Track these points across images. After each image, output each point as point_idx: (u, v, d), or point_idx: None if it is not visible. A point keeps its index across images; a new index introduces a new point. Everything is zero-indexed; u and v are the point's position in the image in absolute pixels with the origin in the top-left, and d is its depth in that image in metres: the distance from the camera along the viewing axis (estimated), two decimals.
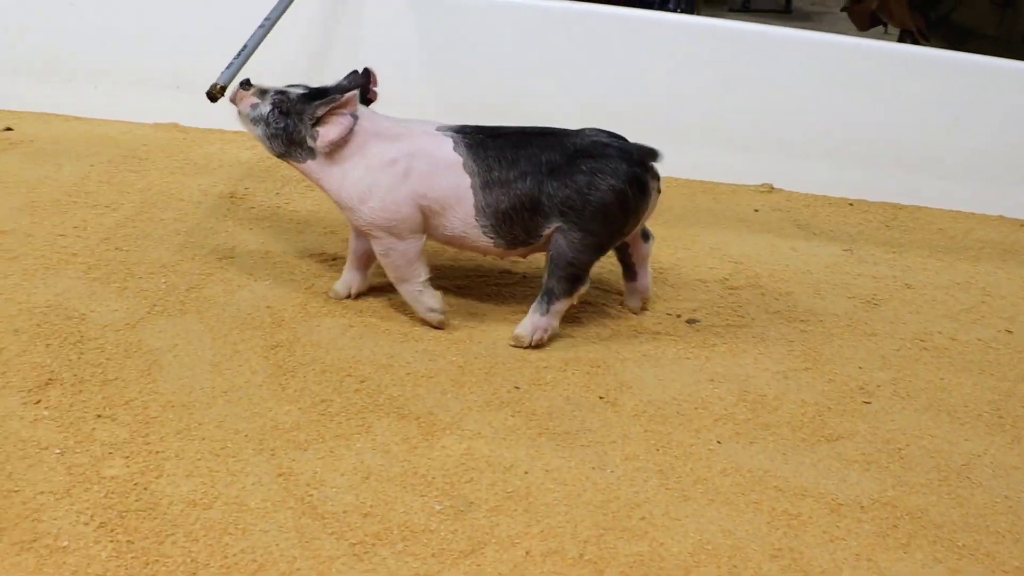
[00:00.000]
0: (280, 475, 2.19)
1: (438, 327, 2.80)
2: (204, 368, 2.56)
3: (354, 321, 2.81)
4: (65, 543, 1.96)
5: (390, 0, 3.95)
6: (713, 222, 3.62)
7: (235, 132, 3.97)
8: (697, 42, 3.89)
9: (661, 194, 2.78)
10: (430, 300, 2.76)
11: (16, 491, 2.10)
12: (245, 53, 3.07)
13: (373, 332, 2.76)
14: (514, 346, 2.74)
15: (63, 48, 4.02)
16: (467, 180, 2.63)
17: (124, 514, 2.04)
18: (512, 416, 2.48)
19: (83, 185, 3.47)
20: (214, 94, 2.81)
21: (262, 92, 2.66)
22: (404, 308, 2.86)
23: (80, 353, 2.57)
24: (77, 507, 2.05)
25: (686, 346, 2.84)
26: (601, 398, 2.58)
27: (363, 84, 2.70)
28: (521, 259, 2.93)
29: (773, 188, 3.94)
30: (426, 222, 2.69)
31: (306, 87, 2.68)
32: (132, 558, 1.94)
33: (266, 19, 3.30)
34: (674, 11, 5.16)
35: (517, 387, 2.59)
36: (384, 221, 2.65)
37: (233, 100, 2.71)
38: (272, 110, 2.63)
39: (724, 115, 3.90)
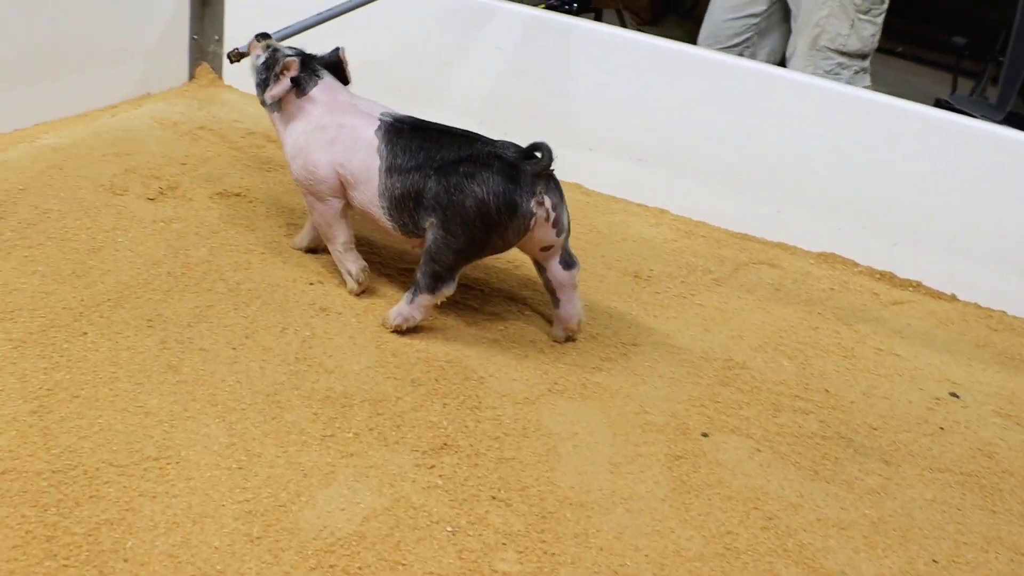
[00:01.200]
0: None
1: (352, 293, 2.84)
2: (603, 466, 2.32)
3: (762, 444, 2.49)
4: None
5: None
6: None
7: (640, 205, 3.76)
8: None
9: (555, 221, 2.63)
10: (350, 264, 2.83)
11: (404, 564, 1.93)
12: (301, 24, 3.29)
13: (782, 462, 2.44)
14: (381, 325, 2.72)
15: (480, 85, 3.92)
16: (376, 162, 2.69)
17: None
18: None
19: None
20: (232, 57, 3.14)
21: (267, 47, 2.88)
22: (814, 442, 2.54)
23: (477, 421, 2.38)
24: None
25: None
26: None
27: (334, 61, 2.90)
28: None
29: None
30: (345, 191, 2.77)
31: (300, 52, 2.86)
32: None
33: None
34: None
35: (935, 560, 2.23)
36: (305, 179, 2.79)
37: (247, 50, 2.96)
38: (262, 62, 2.85)
39: None
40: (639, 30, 5.12)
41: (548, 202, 2.60)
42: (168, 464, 2.09)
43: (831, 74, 4.17)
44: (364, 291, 2.84)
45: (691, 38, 4.89)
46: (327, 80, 2.84)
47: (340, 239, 2.83)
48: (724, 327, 3.01)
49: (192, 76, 4.29)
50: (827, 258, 3.57)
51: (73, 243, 2.86)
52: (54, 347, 2.41)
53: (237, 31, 4.21)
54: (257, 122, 3.88)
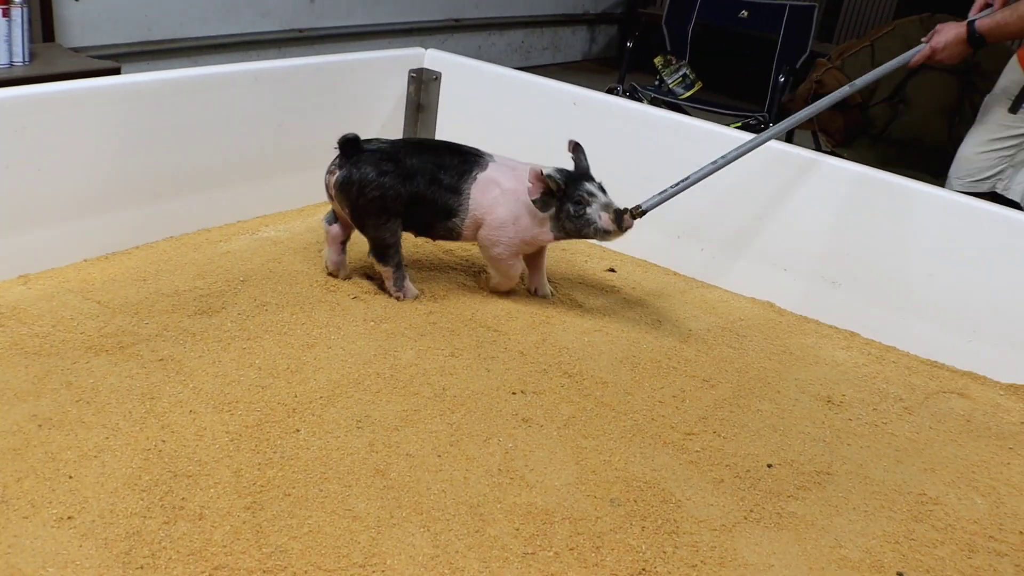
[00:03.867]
0: None
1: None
2: None
3: None
4: None
5: None
6: None
7: (830, 326, 3.65)
8: None
9: (338, 187, 3.13)
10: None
11: None
12: (683, 184, 3.33)
13: None
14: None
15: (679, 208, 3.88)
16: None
17: None
18: None
19: (681, 351, 3.24)
20: (633, 215, 3.13)
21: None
22: None
23: (675, 547, 2.30)
24: None
25: None
26: None
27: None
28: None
29: None
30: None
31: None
32: None
33: (721, 157, 3.44)
34: None
35: None
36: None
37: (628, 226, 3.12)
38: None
39: None
40: (833, 152, 5.03)
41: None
42: (374, 571, 2.07)
43: None
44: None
45: (881, 161, 4.78)
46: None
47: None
48: (917, 459, 2.87)
49: None
50: (1017, 390, 3.38)
51: (289, 337, 2.90)
52: (268, 442, 2.43)
53: (447, 135, 4.28)
54: None
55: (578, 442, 2.62)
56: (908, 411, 3.13)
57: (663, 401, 2.91)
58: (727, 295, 3.81)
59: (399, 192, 3.10)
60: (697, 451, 2.69)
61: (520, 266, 3.33)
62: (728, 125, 4.54)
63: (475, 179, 3.17)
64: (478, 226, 3.21)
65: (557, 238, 3.19)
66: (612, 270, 3.85)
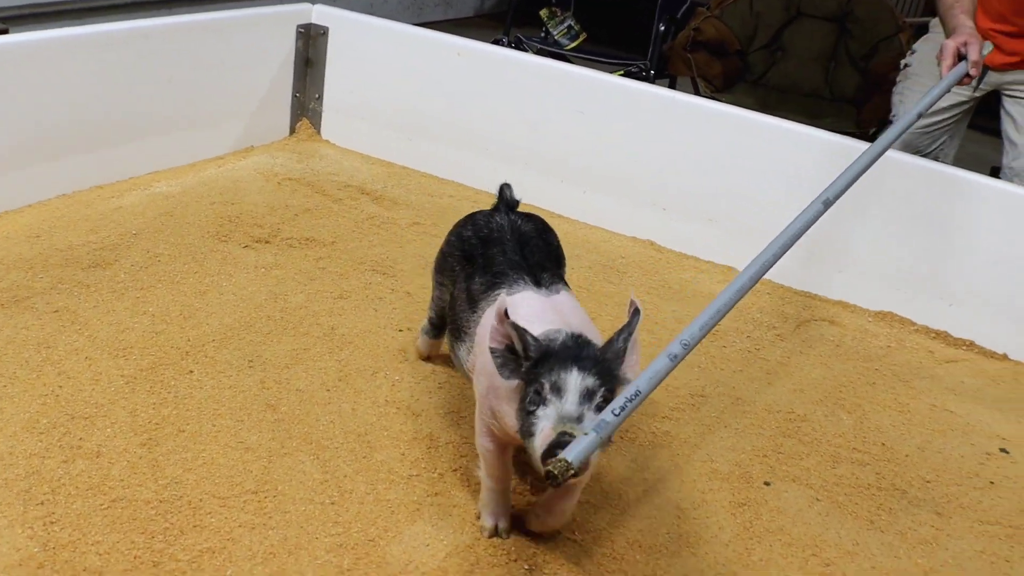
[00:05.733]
0: None
1: None
2: (671, 511, 2.34)
3: (821, 494, 2.50)
4: None
5: None
6: None
7: (708, 262, 3.79)
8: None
9: None
10: None
11: None
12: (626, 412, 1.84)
13: (840, 511, 2.45)
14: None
15: (562, 147, 3.98)
16: None
17: None
18: None
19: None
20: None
21: None
22: (870, 493, 2.56)
23: None
24: None
25: None
26: None
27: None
28: None
29: None
30: None
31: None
32: None
33: (826, 196, 2.60)
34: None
35: None
36: None
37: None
38: None
39: None
40: (712, 97, 5.16)
41: None
42: (266, 498, 2.15)
43: None
44: None
45: (761, 105, 4.92)
46: None
47: None
48: (787, 381, 3.02)
49: (293, 131, 4.41)
50: (885, 317, 3.56)
51: (182, 286, 2.95)
52: (163, 384, 2.50)
53: (336, 89, 4.34)
54: (352, 175, 3.97)
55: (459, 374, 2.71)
56: (780, 338, 3.28)
57: None
58: (608, 235, 3.93)
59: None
60: None
61: (498, 462, 2.15)
62: (612, 73, 4.65)
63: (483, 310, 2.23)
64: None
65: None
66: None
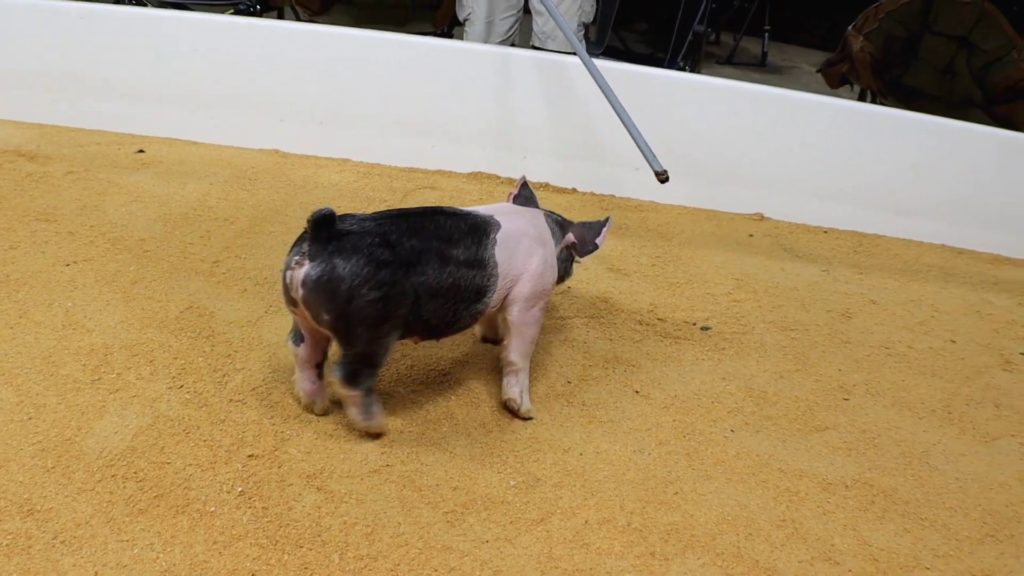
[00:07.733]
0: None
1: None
2: None
3: None
4: (212, 508, 1.95)
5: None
6: (717, 244, 3.58)
7: (327, 158, 3.95)
8: (714, 99, 3.86)
9: (311, 288, 2.04)
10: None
11: (168, 463, 2.11)
12: (638, 134, 3.06)
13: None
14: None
15: (186, 82, 3.98)
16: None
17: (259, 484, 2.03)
18: (567, 406, 2.45)
19: (205, 200, 3.42)
20: (664, 178, 2.96)
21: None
22: None
23: (212, 345, 2.55)
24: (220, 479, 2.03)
25: (702, 349, 2.81)
26: (636, 392, 2.55)
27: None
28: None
29: (763, 217, 3.89)
30: None
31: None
32: (267, 521, 1.92)
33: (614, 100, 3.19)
34: (683, 69, 5.09)
35: (569, 381, 2.56)
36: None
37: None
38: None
39: (727, 157, 3.86)
40: (312, 21, 5.21)
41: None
42: None
43: None
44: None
45: (357, 22, 5.03)
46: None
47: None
48: None
49: None
50: (476, 176, 3.88)
51: None
52: None
53: None
54: (7, 141, 3.82)
55: (127, 290, 2.78)
56: (390, 207, 3.49)
57: (192, 242, 3.10)
58: (238, 150, 4.00)
59: (404, 288, 2.07)
60: (223, 273, 2.92)
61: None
62: (223, 13, 4.62)
63: (496, 241, 2.23)
64: (507, 294, 2.30)
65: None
66: (141, 151, 3.89)
